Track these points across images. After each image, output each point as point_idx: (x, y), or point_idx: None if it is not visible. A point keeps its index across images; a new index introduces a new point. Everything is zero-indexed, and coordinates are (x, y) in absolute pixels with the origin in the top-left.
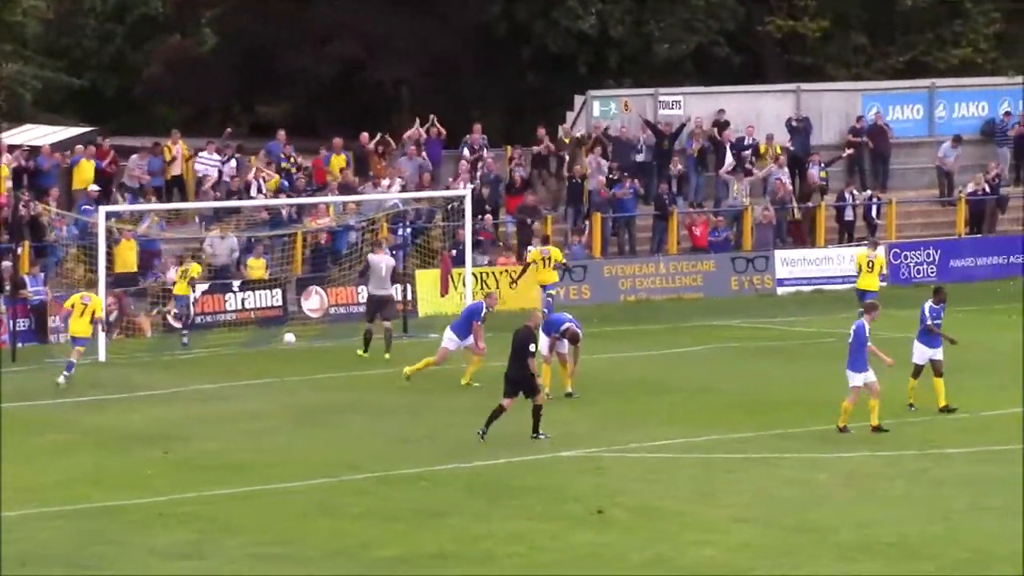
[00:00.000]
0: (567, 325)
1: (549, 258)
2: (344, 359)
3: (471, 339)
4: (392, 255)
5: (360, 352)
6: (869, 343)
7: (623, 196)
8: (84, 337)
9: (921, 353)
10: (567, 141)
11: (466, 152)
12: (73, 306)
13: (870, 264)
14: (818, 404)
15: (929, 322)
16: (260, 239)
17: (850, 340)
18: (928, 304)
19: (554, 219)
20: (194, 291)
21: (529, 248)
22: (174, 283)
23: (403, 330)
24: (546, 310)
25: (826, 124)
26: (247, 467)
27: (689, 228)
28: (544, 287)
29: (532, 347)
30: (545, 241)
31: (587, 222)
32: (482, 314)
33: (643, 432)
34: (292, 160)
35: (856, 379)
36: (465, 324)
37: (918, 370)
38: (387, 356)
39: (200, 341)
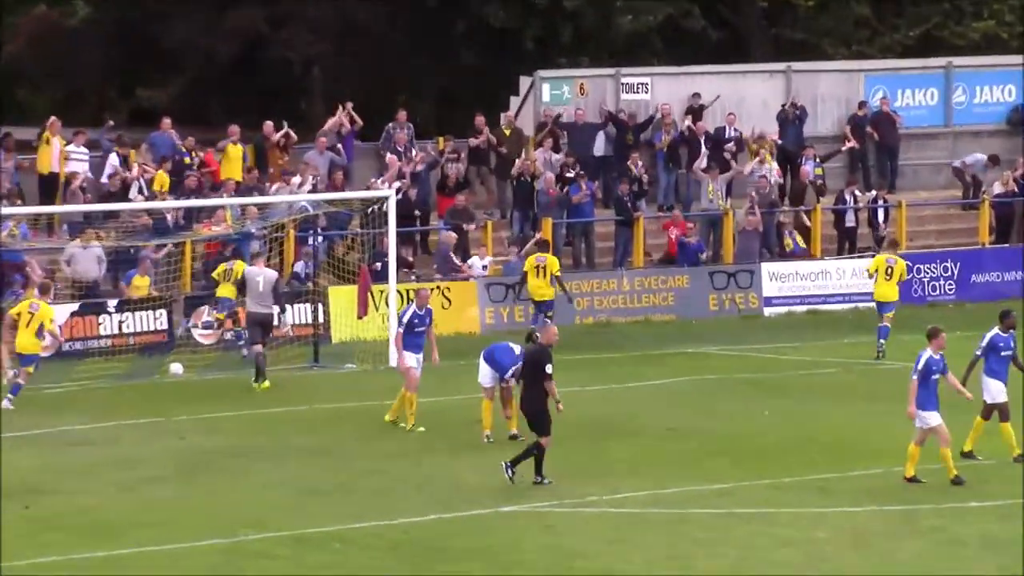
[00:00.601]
0: (518, 365)
1: (544, 267)
2: (242, 394)
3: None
4: (308, 265)
5: (256, 384)
6: (945, 375)
7: (580, 200)
8: (32, 354)
9: (998, 390)
10: (509, 132)
11: (392, 145)
12: (19, 315)
13: (888, 271)
14: (815, 448)
15: (1006, 353)
16: (146, 251)
17: (916, 372)
18: (994, 331)
19: (494, 225)
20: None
21: (512, 253)
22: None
23: (313, 359)
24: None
25: (822, 112)
26: (125, 526)
27: (668, 231)
28: (539, 305)
29: (548, 368)
30: (543, 246)
31: (534, 230)
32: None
33: (603, 483)
34: (193, 153)
35: (929, 419)
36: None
37: (989, 411)
38: (255, 386)
39: (69, 373)
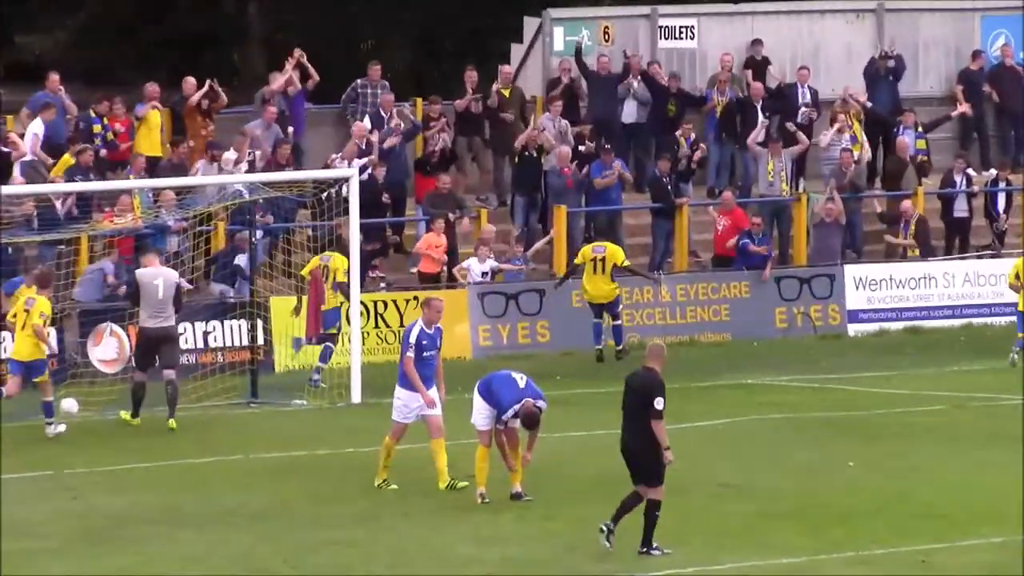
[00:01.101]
0: (525, 402)
1: (604, 259)
2: (157, 438)
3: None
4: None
5: (126, 416)
6: None
7: (605, 183)
8: (37, 360)
9: None
10: (510, 93)
11: (362, 109)
12: (15, 316)
13: None
14: (914, 511)
15: None
16: (28, 250)
17: None
18: None
19: (490, 215)
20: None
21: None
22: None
23: (251, 393)
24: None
25: (925, 65)
26: None
27: (716, 223)
28: (597, 309)
29: (659, 403)
30: (600, 233)
31: (543, 222)
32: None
33: (634, 558)
34: (105, 120)
35: None
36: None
37: None
38: (172, 424)
39: None
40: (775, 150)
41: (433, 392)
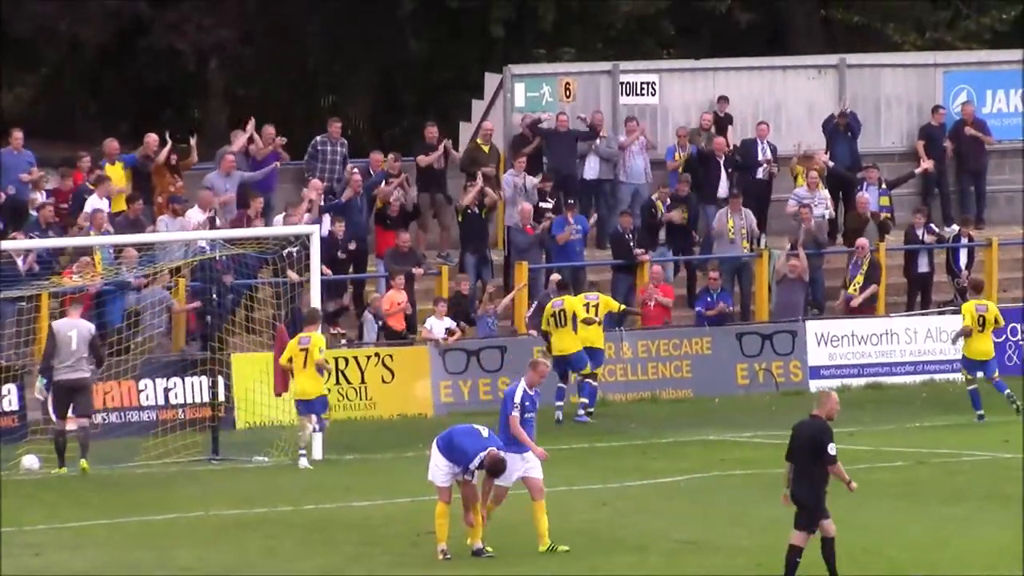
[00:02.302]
0: (490, 451)
1: (597, 306)
2: (121, 493)
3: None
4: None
5: (57, 469)
6: None
7: (567, 238)
8: (319, 396)
9: None
10: (489, 148)
11: (322, 166)
12: (291, 360)
13: (980, 320)
14: (877, 566)
15: None
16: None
17: None
18: None
19: (451, 272)
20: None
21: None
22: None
23: (212, 450)
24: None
25: (887, 120)
26: None
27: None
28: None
29: (832, 448)
30: (563, 288)
31: (505, 276)
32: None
33: None
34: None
35: None
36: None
37: None
38: (84, 464)
39: None
40: (735, 207)
41: (529, 454)
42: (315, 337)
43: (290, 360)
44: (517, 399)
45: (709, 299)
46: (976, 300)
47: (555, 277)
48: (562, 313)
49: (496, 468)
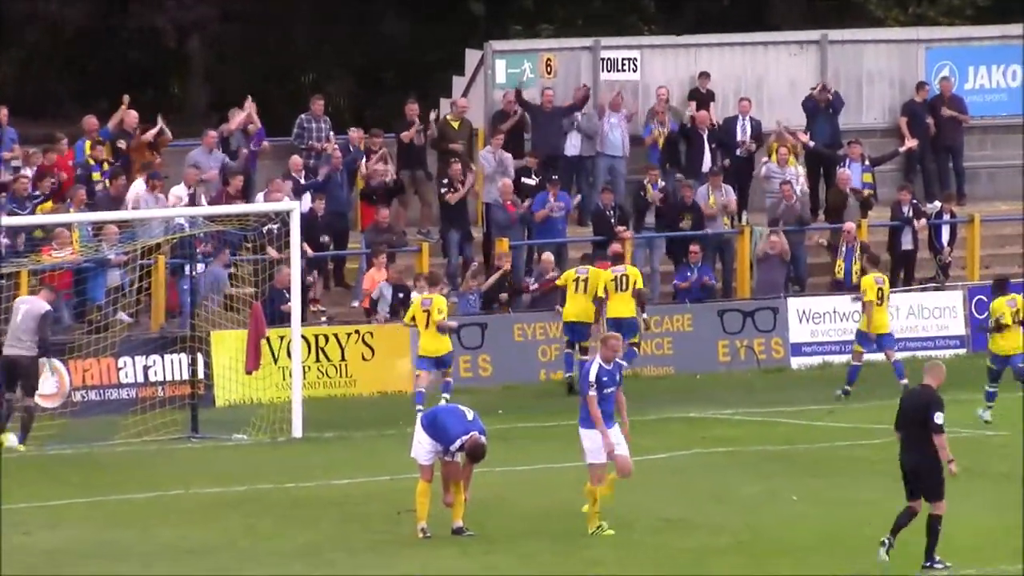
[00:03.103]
0: (472, 435)
1: (626, 278)
2: (100, 472)
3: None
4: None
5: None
6: None
7: (548, 214)
8: (446, 354)
9: None
10: (459, 124)
11: (309, 144)
12: (414, 319)
13: (880, 293)
14: (859, 545)
15: None
16: None
17: None
18: None
19: (431, 248)
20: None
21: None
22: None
23: (191, 427)
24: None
25: (869, 97)
26: None
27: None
28: (619, 327)
29: (939, 417)
30: (617, 259)
31: (485, 256)
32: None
33: None
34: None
35: None
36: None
37: None
38: (20, 447)
39: None
40: (715, 183)
41: (616, 431)
42: (436, 298)
43: (413, 319)
44: (592, 376)
45: (688, 273)
46: (875, 273)
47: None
48: (624, 278)
49: (477, 453)
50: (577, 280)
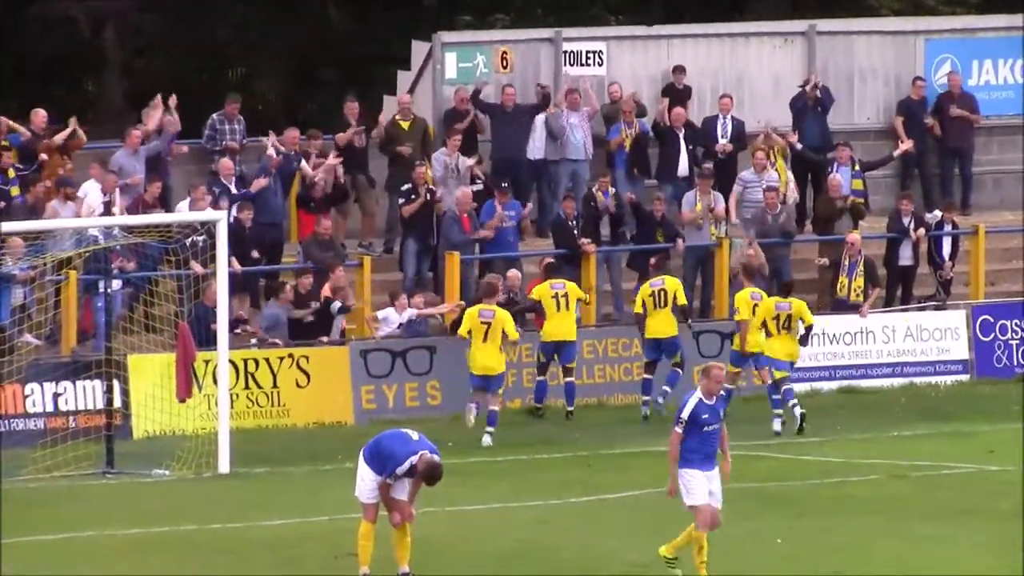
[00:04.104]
0: (422, 454)
1: (664, 292)
2: (5, 511)
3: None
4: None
5: None
6: None
7: (498, 225)
8: (499, 374)
9: None
10: (409, 125)
11: (222, 145)
12: (470, 332)
13: (783, 320)
14: None
15: None
16: None
17: None
18: None
19: (376, 264)
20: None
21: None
22: None
23: (106, 462)
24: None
25: (861, 94)
26: None
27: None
28: (659, 348)
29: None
30: (553, 270)
31: (431, 270)
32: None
33: None
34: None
35: None
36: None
37: None
38: None
39: None
40: (704, 188)
41: (715, 476)
42: (500, 311)
43: (469, 332)
44: (687, 413)
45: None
46: (751, 288)
47: (548, 260)
48: (662, 293)
49: (432, 474)
50: (556, 296)
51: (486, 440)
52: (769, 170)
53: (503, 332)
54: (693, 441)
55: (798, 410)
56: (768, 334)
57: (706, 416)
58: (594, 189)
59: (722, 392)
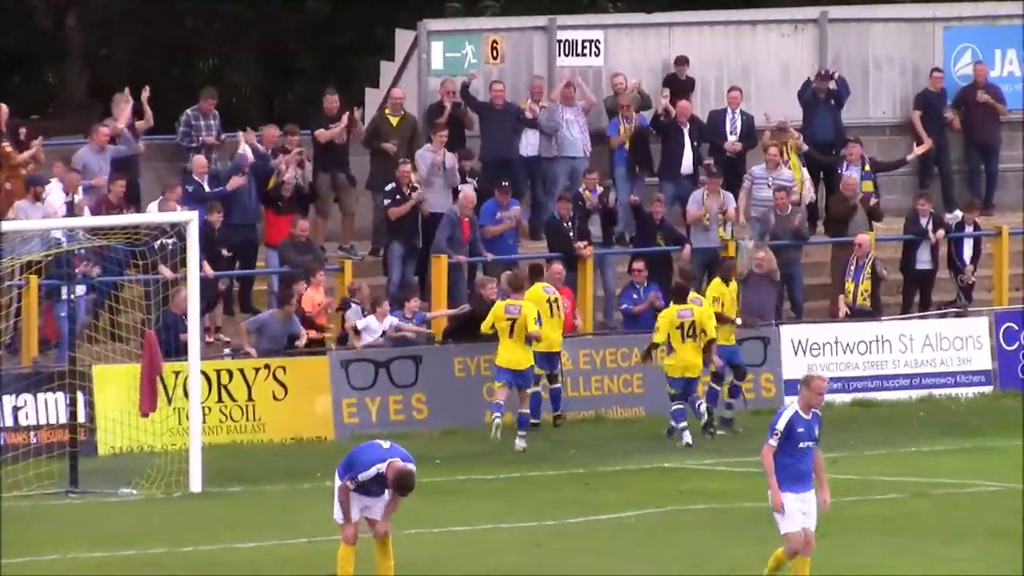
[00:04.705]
0: (392, 462)
1: (694, 325)
2: None
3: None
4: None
5: None
6: None
7: (500, 230)
8: (527, 368)
9: None
10: (399, 120)
11: (198, 142)
12: (493, 327)
13: (687, 328)
14: None
15: None
16: None
17: None
18: None
19: (357, 268)
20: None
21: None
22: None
23: (70, 481)
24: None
25: (876, 85)
26: None
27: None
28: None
29: None
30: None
31: (417, 275)
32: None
33: None
34: None
35: None
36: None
37: None
38: None
39: None
40: (713, 187)
41: (810, 498)
42: (527, 306)
43: (492, 327)
44: (781, 425)
45: (635, 295)
46: (679, 306)
47: (507, 275)
48: (556, 302)
49: (404, 482)
50: (550, 302)
51: (520, 444)
52: (782, 167)
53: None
54: (785, 458)
55: (703, 406)
56: (670, 349)
57: (801, 431)
58: (581, 188)
59: (816, 411)
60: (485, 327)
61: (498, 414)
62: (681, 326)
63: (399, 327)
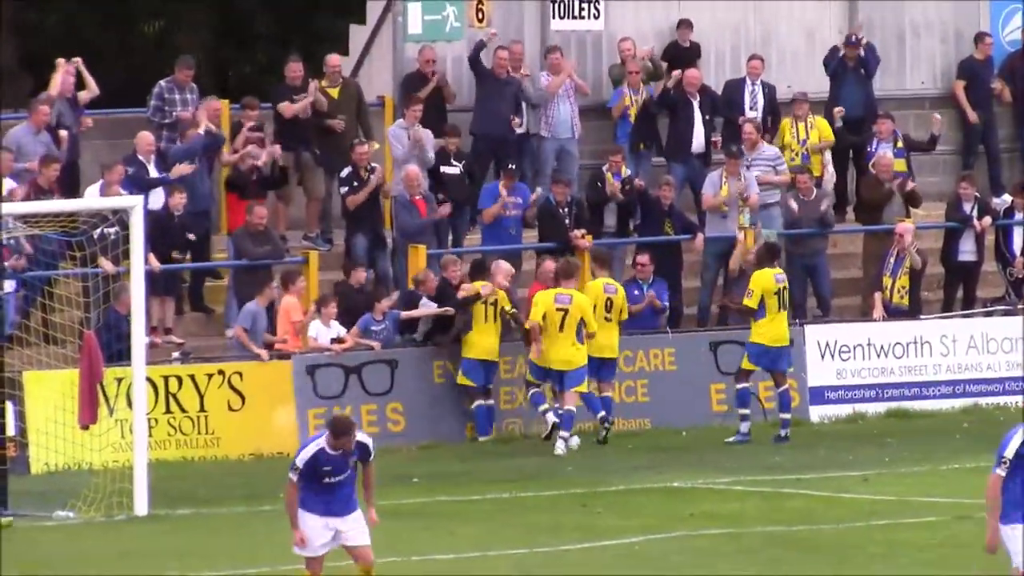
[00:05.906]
0: (325, 435)
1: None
2: None
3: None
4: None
5: None
6: None
7: (495, 214)
8: (579, 368)
9: None
10: (338, 92)
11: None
12: (545, 316)
13: (608, 303)
14: None
15: None
16: None
17: None
18: None
19: (323, 257)
20: None
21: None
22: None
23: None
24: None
25: (914, 54)
26: None
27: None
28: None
29: None
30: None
31: (391, 265)
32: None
33: None
34: None
35: None
36: None
37: None
38: None
39: None
40: (732, 169)
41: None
42: (578, 296)
43: (544, 318)
44: (1010, 451)
45: (636, 292)
46: (605, 279)
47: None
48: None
49: (336, 423)
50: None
51: (560, 448)
52: (761, 145)
53: (581, 321)
54: (1017, 487)
55: (551, 417)
56: (761, 313)
57: None
58: (604, 168)
59: None
60: (534, 317)
61: (545, 405)
62: (778, 292)
63: (340, 339)
